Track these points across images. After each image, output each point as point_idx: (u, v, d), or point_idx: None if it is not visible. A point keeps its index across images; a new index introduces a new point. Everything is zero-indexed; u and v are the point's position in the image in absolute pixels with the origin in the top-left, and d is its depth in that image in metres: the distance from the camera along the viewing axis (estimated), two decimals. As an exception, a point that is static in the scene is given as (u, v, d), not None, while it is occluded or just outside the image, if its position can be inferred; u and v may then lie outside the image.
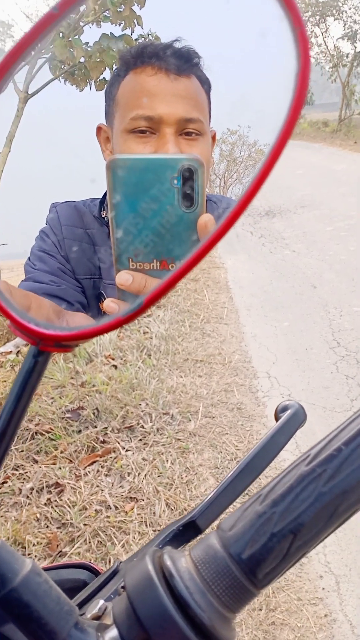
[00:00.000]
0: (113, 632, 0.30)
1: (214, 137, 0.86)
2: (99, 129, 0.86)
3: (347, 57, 23.18)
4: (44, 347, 0.30)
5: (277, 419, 0.46)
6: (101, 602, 0.35)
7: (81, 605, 0.39)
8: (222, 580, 0.29)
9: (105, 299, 0.91)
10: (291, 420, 0.45)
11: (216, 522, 0.38)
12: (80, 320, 0.53)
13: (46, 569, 0.48)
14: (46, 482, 2.28)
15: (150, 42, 0.81)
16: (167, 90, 0.74)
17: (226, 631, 0.30)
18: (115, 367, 3.23)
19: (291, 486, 0.30)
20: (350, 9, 22.73)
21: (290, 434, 0.45)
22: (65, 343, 0.30)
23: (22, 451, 2.46)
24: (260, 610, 1.80)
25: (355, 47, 22.68)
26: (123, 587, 0.31)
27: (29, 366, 0.31)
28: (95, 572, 0.48)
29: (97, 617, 0.34)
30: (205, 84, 0.80)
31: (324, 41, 27.79)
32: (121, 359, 3.35)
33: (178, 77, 0.75)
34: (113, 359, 3.31)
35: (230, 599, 0.30)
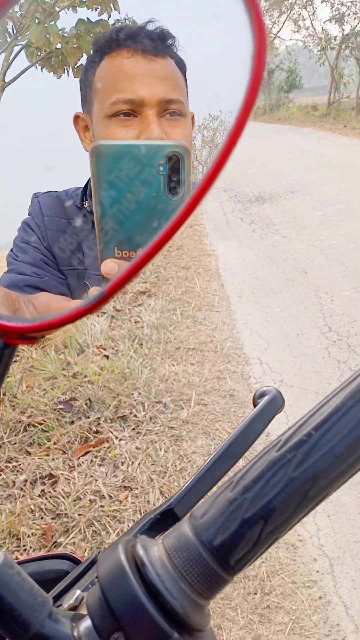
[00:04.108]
0: (87, 622, 0.30)
1: (192, 119, 0.85)
2: (76, 117, 0.85)
3: (335, 39, 23.03)
4: (8, 339, 0.29)
5: (255, 404, 0.46)
6: (78, 592, 0.35)
7: (59, 595, 0.39)
8: (194, 567, 0.29)
9: (89, 289, 0.90)
10: (269, 406, 0.45)
11: (194, 510, 0.39)
12: (44, 300, 0.53)
13: (28, 561, 0.48)
14: (40, 473, 2.28)
15: (123, 25, 0.80)
16: (146, 72, 0.74)
17: (199, 618, 0.30)
18: (107, 357, 3.23)
19: (262, 472, 0.30)
20: (337, -9, 22.52)
21: (268, 419, 0.45)
22: (30, 335, 0.29)
23: (15, 443, 2.46)
24: (255, 594, 1.82)
25: (343, 29, 22.54)
26: (97, 577, 0.31)
27: (-5, 359, 0.31)
28: (77, 562, 0.48)
29: (74, 608, 0.34)
30: (181, 65, 0.79)
31: (312, 24, 27.63)
32: (113, 349, 3.35)
33: (155, 58, 0.74)
34: (104, 349, 3.31)
35: (203, 586, 0.30)
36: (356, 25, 22.36)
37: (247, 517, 0.29)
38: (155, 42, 0.75)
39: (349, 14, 22.39)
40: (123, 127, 0.74)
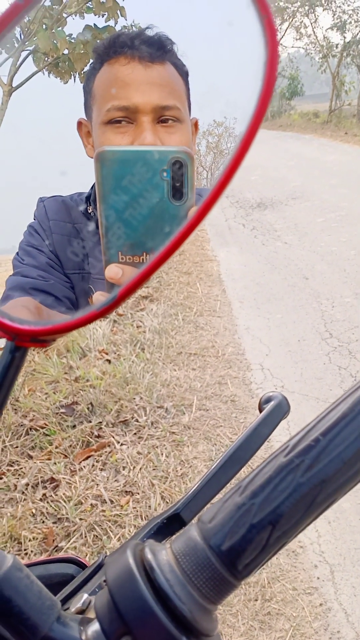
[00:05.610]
0: (95, 626, 0.30)
1: (196, 125, 0.85)
2: (79, 123, 0.86)
3: (336, 47, 23.11)
4: (20, 342, 0.30)
5: (260, 410, 0.46)
6: (85, 596, 0.35)
7: (67, 599, 0.39)
8: (202, 572, 0.29)
9: (94, 293, 0.90)
10: (275, 411, 0.45)
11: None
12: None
13: (34, 564, 0.48)
14: (41, 477, 2.28)
15: (122, 32, 0.80)
16: (141, 79, 0.74)
17: (207, 623, 0.30)
18: (109, 361, 3.23)
19: (270, 477, 0.30)
20: (339, -2, 22.63)
21: (274, 425, 0.45)
22: (41, 338, 0.30)
23: (16, 447, 2.46)
24: (256, 600, 1.82)
25: (345, 37, 22.61)
26: (105, 581, 0.31)
27: (6, 362, 0.31)
28: (82, 566, 0.48)
29: (82, 611, 0.34)
30: (181, 70, 0.79)
31: (314, 32, 27.70)
32: (115, 353, 3.35)
33: (151, 65, 0.75)
34: (107, 354, 3.31)
35: (211, 591, 0.30)
36: (358, 33, 22.45)
37: (256, 522, 0.29)
38: (152, 49, 0.75)
39: (350, 22, 22.49)
40: (118, 134, 0.75)
